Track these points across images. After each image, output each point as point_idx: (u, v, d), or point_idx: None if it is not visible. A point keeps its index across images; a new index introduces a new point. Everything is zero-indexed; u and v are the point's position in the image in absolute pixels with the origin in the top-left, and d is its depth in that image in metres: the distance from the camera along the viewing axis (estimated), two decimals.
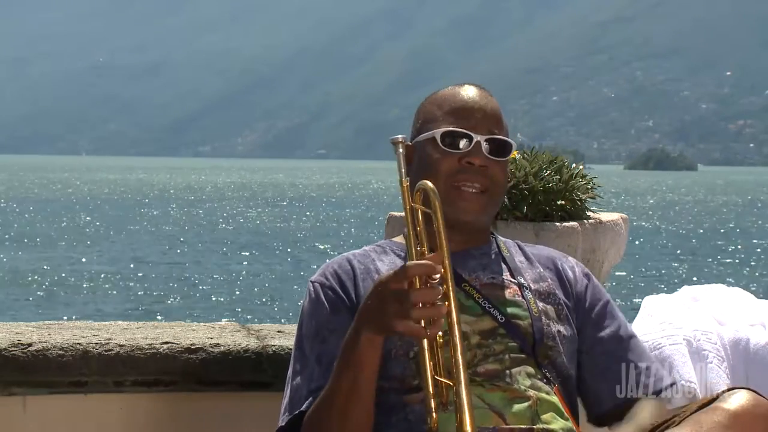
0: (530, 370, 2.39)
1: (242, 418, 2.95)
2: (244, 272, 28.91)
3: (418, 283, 2.10)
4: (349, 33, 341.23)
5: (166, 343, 2.90)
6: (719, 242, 40.98)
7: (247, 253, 33.81)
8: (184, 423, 2.94)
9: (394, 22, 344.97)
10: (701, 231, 46.91)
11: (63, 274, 27.41)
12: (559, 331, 2.46)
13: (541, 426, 2.33)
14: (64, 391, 2.85)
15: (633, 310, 3.32)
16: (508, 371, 2.38)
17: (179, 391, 2.90)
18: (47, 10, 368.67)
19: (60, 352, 2.83)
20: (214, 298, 23.89)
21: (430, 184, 2.22)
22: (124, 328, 3.09)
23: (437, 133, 2.50)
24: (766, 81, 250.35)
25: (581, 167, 3.36)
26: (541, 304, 2.48)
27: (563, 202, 3.25)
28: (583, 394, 2.51)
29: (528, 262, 2.58)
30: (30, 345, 2.84)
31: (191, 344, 2.91)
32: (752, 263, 33.05)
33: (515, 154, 3.28)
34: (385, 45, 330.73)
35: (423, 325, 2.09)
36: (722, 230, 47.64)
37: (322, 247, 35.60)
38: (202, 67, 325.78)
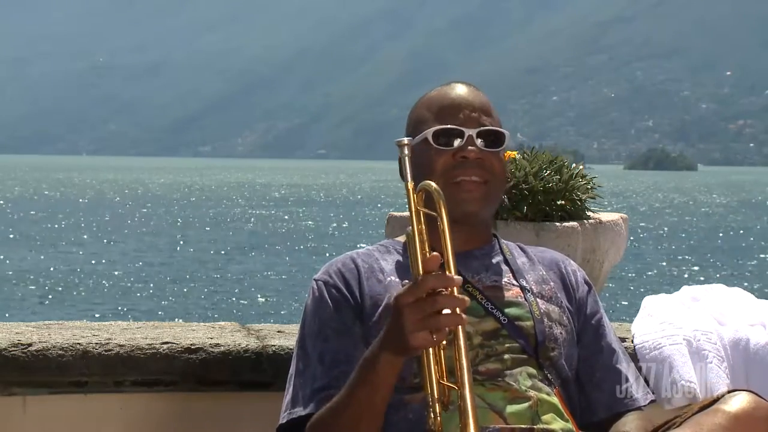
0: (531, 370, 2.40)
1: (242, 418, 2.95)
2: (244, 272, 28.91)
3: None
4: (349, 33, 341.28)
5: (166, 343, 2.90)
6: (719, 242, 40.98)
7: (247, 253, 33.81)
8: (184, 423, 2.94)
9: (394, 22, 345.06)
10: (701, 231, 46.91)
11: (63, 274, 27.42)
12: (560, 333, 2.47)
13: (541, 426, 2.34)
14: (64, 391, 2.85)
15: (633, 310, 3.32)
16: (509, 371, 2.38)
17: (179, 391, 2.90)
18: (47, 10, 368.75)
19: (60, 352, 2.83)
20: (214, 298, 23.89)
21: (434, 184, 2.20)
22: (124, 328, 3.09)
23: (429, 132, 2.50)
24: (766, 81, 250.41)
25: (581, 167, 3.36)
26: (543, 306, 2.48)
27: (563, 202, 3.25)
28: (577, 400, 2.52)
29: (530, 263, 2.58)
30: (30, 345, 2.83)
31: (191, 344, 2.91)
32: (752, 263, 33.05)
33: (515, 154, 3.28)
34: (385, 45, 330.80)
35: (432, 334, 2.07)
36: (722, 230, 47.63)
37: (321, 247, 35.61)
38: (202, 67, 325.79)
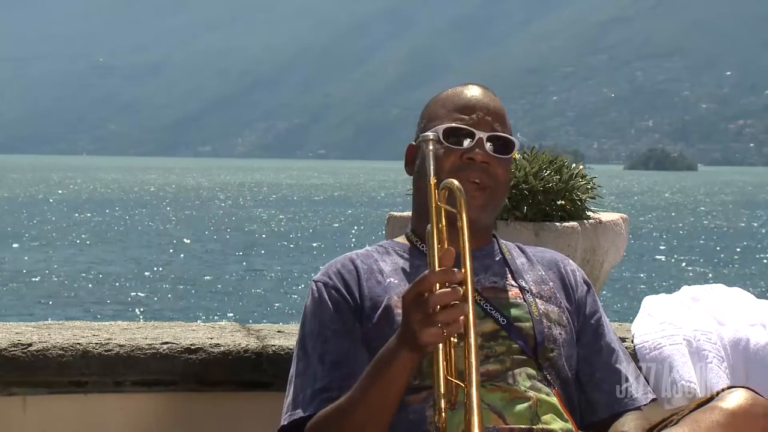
0: (531, 371, 2.40)
1: (242, 418, 2.95)
2: (244, 272, 28.91)
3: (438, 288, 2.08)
4: (349, 33, 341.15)
5: (166, 343, 2.90)
6: (719, 242, 40.97)
7: (247, 253, 33.81)
8: (184, 423, 2.94)
9: (394, 22, 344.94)
10: (701, 231, 46.90)
11: (63, 274, 27.41)
12: (560, 334, 2.47)
13: (540, 426, 2.34)
14: (64, 391, 2.85)
15: (633, 310, 3.32)
16: (508, 372, 2.38)
17: (179, 391, 2.90)
18: (47, 10, 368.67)
19: (60, 352, 2.83)
20: (214, 298, 23.89)
21: (456, 182, 2.20)
22: (124, 328, 3.09)
23: (439, 129, 2.49)
24: (766, 81, 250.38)
25: (581, 167, 3.36)
26: (542, 307, 2.48)
27: (563, 202, 3.25)
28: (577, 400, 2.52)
29: (529, 264, 2.58)
30: (30, 345, 2.83)
31: (191, 344, 2.91)
32: (752, 263, 33.05)
33: (515, 154, 3.28)
34: (385, 45, 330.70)
35: (442, 328, 2.06)
36: (722, 230, 47.62)
37: (321, 247, 35.61)
38: (202, 67, 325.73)
